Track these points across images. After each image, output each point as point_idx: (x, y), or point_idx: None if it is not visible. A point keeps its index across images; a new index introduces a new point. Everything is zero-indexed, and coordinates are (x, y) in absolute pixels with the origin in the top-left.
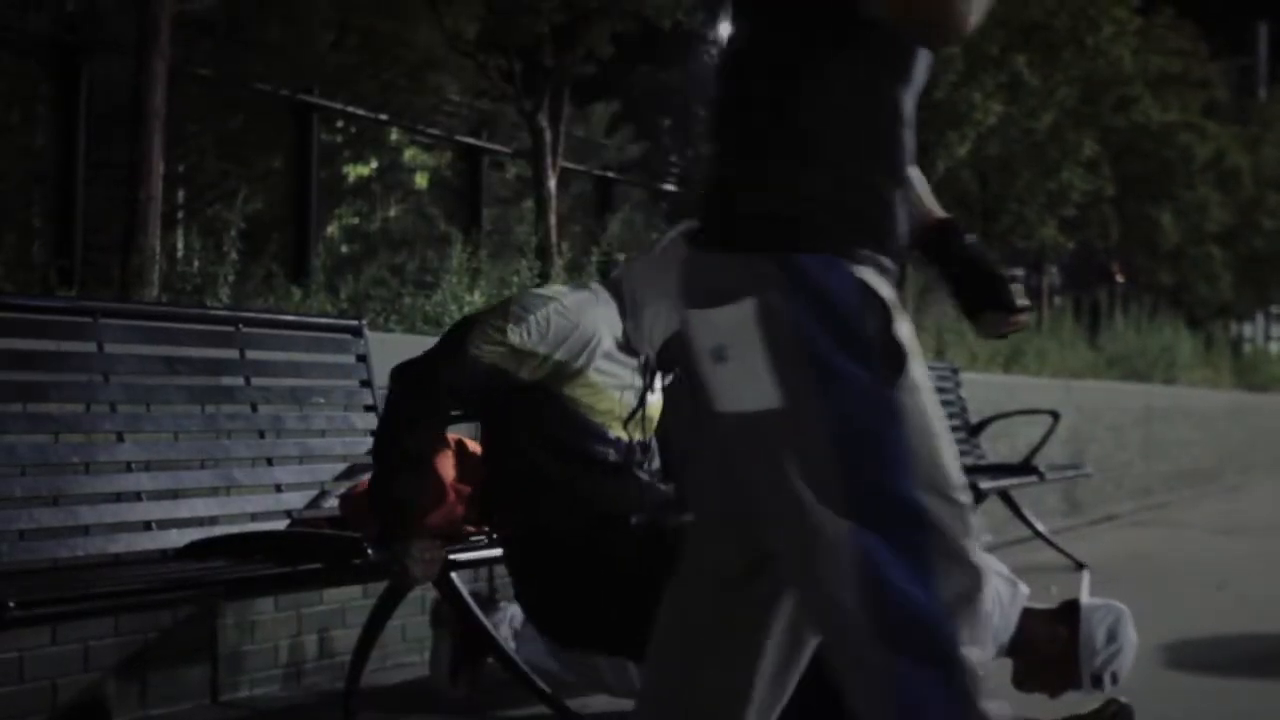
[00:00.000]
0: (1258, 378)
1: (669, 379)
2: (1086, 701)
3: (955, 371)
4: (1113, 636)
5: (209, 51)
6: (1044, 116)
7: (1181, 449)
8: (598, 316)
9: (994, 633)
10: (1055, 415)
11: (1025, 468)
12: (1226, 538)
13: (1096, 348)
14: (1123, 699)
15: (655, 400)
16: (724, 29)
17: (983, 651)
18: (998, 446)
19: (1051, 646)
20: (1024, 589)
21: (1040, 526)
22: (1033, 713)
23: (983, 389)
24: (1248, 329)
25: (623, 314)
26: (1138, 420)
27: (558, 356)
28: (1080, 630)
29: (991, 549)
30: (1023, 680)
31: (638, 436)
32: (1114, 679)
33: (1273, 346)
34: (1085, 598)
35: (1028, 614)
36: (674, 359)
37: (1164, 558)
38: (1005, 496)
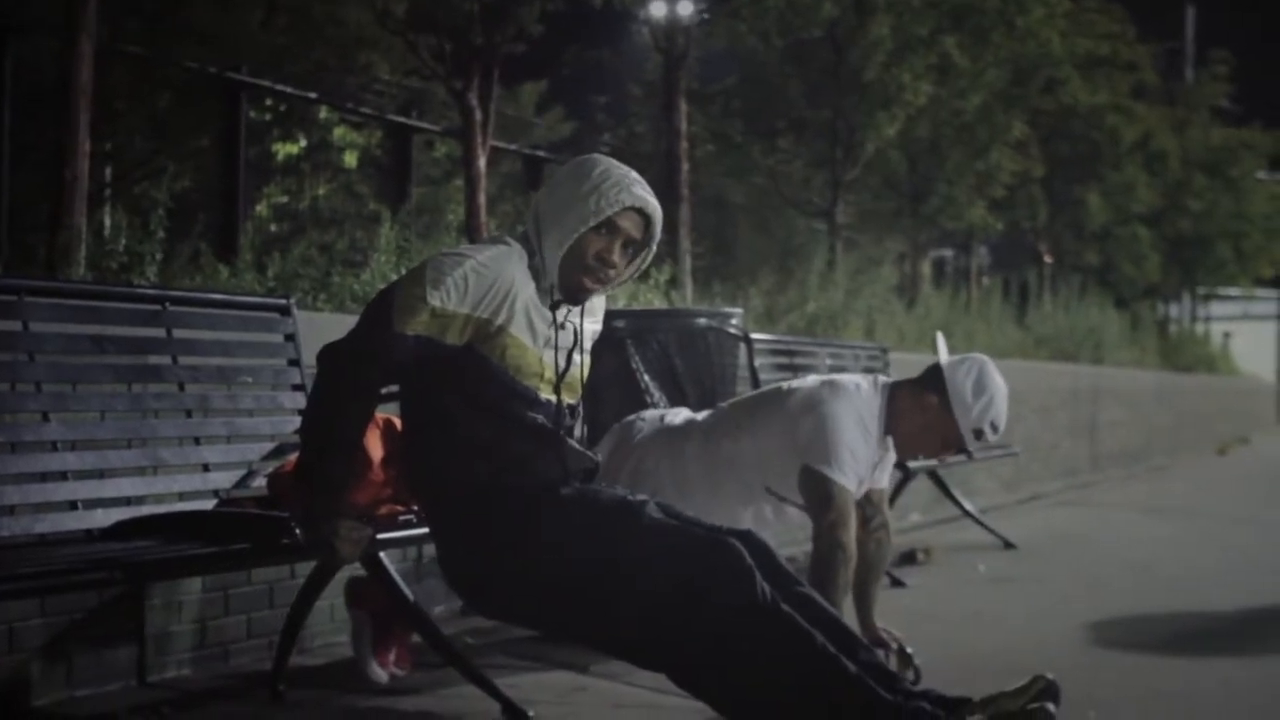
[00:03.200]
0: (1183, 358)
1: (576, 322)
2: (1011, 679)
3: (884, 351)
4: (981, 388)
5: (137, 30)
6: (973, 98)
7: (1108, 429)
8: (514, 269)
9: (865, 418)
10: None
11: None
12: (1152, 517)
13: (1024, 328)
14: (1049, 675)
15: (581, 361)
16: (655, 7)
17: None
18: None
19: (925, 412)
20: (882, 377)
21: (968, 505)
22: (960, 691)
23: (912, 369)
24: (1174, 310)
25: (530, 252)
26: (1065, 400)
27: (480, 314)
28: (948, 389)
29: (920, 528)
30: (904, 451)
31: (567, 400)
32: (994, 428)
33: (1198, 327)
34: (944, 357)
35: (893, 388)
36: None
37: (1090, 537)
38: (934, 476)
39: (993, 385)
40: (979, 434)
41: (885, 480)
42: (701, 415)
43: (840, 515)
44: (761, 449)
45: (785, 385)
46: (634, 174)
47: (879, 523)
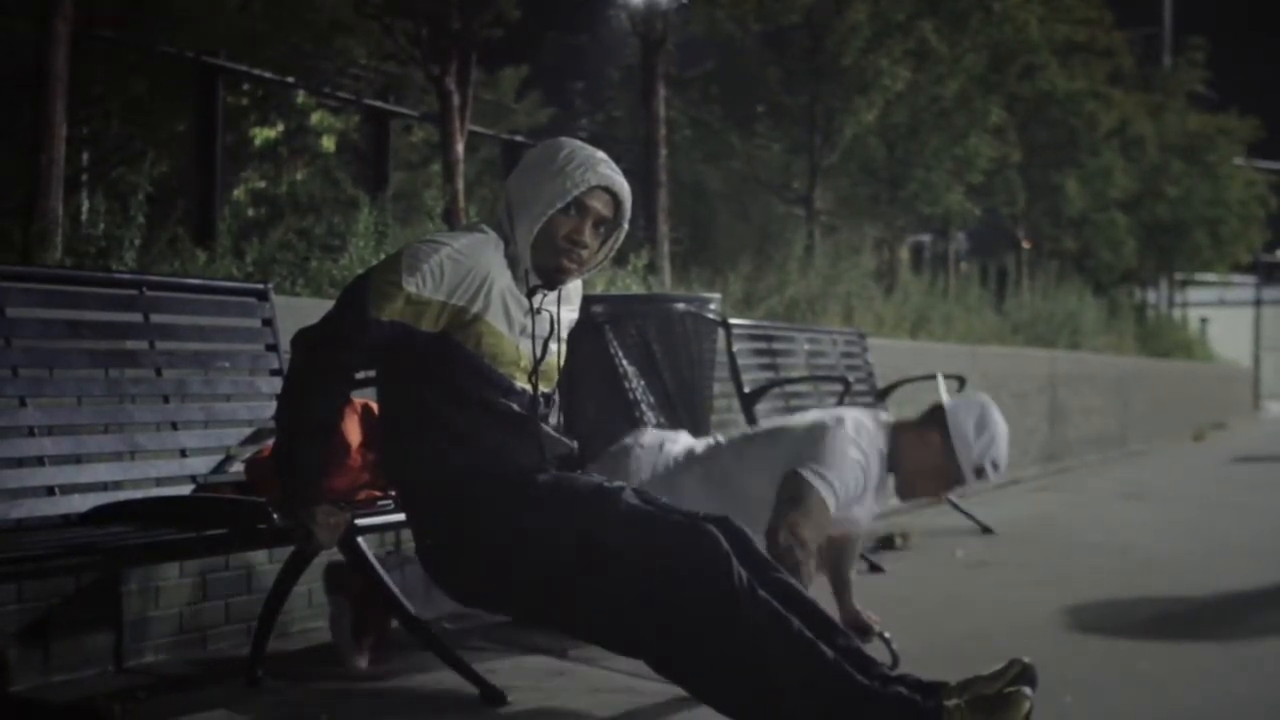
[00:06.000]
0: (1160, 344)
1: (549, 306)
2: (988, 663)
3: (862, 336)
4: (983, 426)
5: (112, 13)
6: (951, 83)
7: (1086, 415)
8: (490, 257)
9: (868, 453)
10: (961, 380)
11: None
12: (1129, 502)
13: (1002, 314)
14: (1026, 659)
15: (557, 350)
16: None
17: None
18: (904, 411)
19: (927, 450)
20: (884, 414)
21: None
22: (937, 675)
23: (889, 354)
24: (1151, 295)
25: (506, 240)
26: (1043, 386)
27: (455, 301)
28: (950, 427)
29: (897, 513)
30: (906, 490)
31: (543, 388)
32: (995, 467)
33: (1176, 313)
34: (946, 398)
35: (895, 428)
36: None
37: (1067, 522)
38: None
39: (994, 424)
40: (980, 472)
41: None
42: (700, 446)
43: (805, 516)
44: (763, 487)
45: (788, 419)
46: (600, 154)
47: None
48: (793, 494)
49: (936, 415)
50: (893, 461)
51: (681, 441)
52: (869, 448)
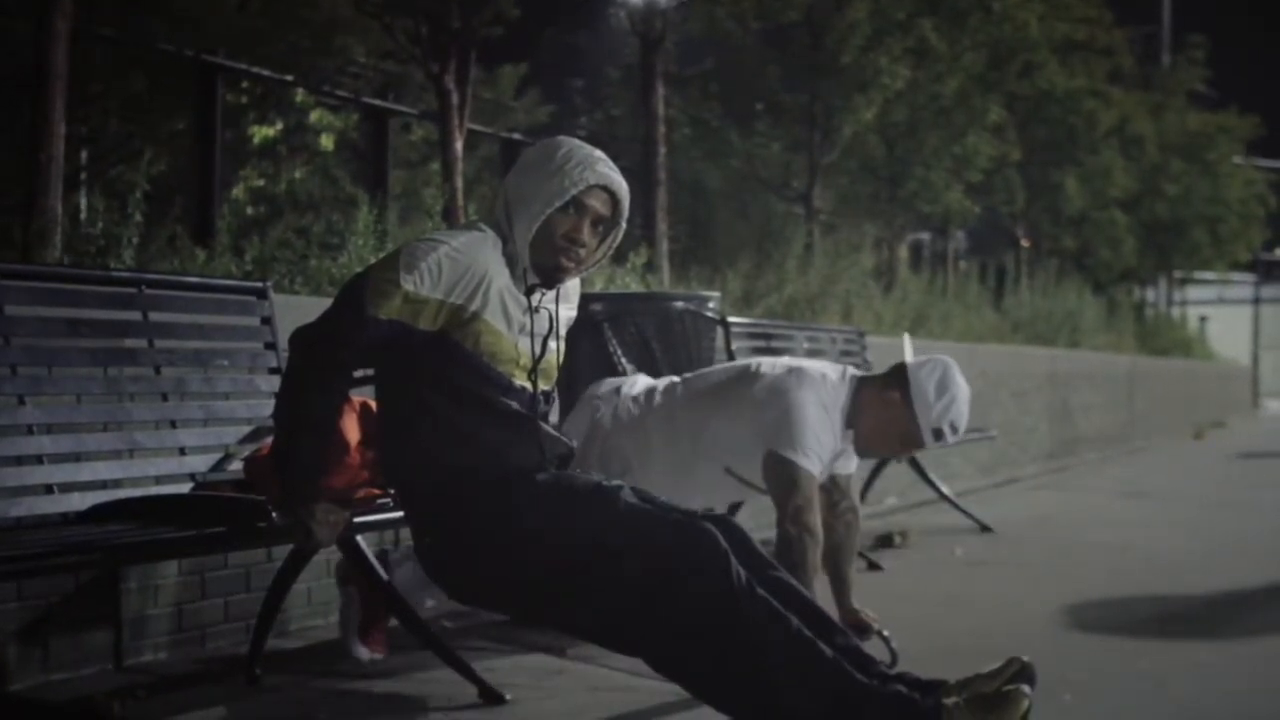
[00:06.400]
0: (1160, 342)
1: (549, 305)
2: (987, 662)
3: (861, 335)
4: (944, 388)
5: (111, 11)
6: (950, 81)
7: (1085, 413)
8: (488, 256)
9: (829, 407)
10: None
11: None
12: (1128, 501)
13: (1001, 312)
14: (1024, 658)
15: (556, 348)
16: None
17: None
18: None
19: (888, 408)
20: (851, 370)
21: (945, 489)
22: (936, 674)
23: (888, 352)
24: (1150, 294)
25: (504, 239)
26: (1042, 384)
27: (453, 300)
28: (911, 387)
29: (896, 511)
30: (864, 445)
31: (542, 387)
32: (953, 429)
33: (1175, 312)
34: (910, 357)
35: (859, 383)
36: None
37: (1066, 520)
38: (910, 460)
39: (955, 386)
40: (939, 434)
41: (852, 466)
42: (661, 384)
43: (806, 500)
44: (723, 431)
45: (751, 366)
46: (599, 153)
47: (846, 506)
48: (782, 480)
49: (899, 374)
50: (852, 417)
51: (640, 383)
52: (831, 403)
